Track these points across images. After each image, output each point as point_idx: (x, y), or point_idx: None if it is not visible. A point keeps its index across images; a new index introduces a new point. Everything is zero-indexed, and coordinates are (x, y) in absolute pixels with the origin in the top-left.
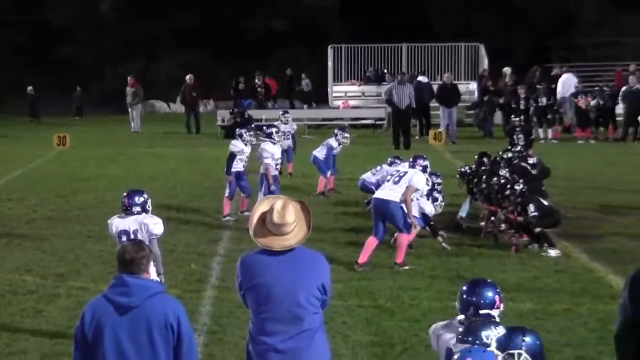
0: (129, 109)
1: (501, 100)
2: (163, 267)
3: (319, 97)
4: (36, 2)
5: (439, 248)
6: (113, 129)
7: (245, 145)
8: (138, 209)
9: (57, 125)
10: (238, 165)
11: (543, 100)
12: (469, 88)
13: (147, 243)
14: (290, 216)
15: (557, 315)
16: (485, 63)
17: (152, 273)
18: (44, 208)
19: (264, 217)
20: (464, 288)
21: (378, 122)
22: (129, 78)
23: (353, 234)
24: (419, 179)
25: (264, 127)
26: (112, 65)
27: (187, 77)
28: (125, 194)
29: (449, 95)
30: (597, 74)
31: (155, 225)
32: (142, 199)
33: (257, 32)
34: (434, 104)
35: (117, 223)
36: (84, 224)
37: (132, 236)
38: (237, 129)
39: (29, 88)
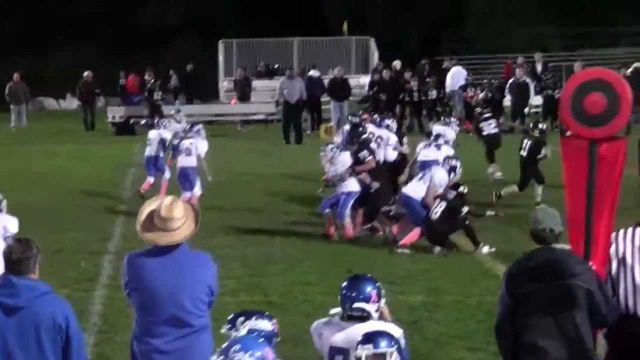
0: (11, 106)
1: (383, 96)
2: (51, 266)
3: (212, 93)
4: None
5: (329, 242)
6: (1, 127)
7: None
8: None
9: None
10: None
11: (433, 94)
12: (360, 82)
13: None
14: (178, 211)
15: (447, 307)
16: (375, 56)
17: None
18: None
19: (152, 215)
20: (345, 283)
21: (269, 118)
22: (14, 75)
23: (243, 229)
24: (440, 177)
25: (193, 125)
26: None
27: (85, 73)
28: None
29: (340, 90)
30: (486, 66)
31: (12, 223)
32: None
33: (150, 25)
34: (325, 98)
35: None
36: None
37: None
38: (160, 119)
39: None
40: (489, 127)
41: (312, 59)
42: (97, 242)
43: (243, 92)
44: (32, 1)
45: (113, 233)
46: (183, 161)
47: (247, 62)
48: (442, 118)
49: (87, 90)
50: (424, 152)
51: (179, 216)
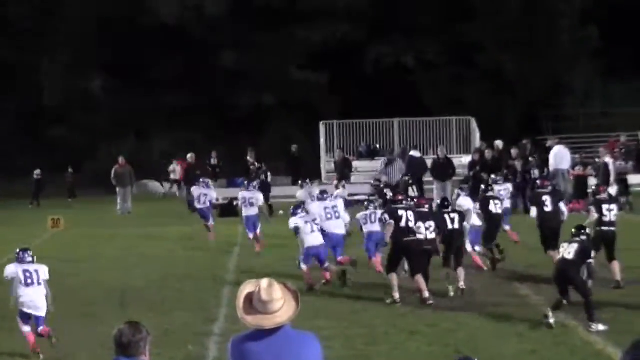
0: (117, 189)
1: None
2: (157, 347)
3: (313, 174)
4: (26, 83)
5: (435, 322)
6: (107, 210)
7: None
8: (30, 259)
9: (51, 207)
10: None
11: (536, 173)
12: (462, 162)
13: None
14: (277, 293)
15: None
16: (477, 136)
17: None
18: None
19: (250, 298)
20: None
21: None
22: (120, 159)
23: (345, 311)
24: None
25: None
26: (104, 145)
27: (188, 155)
28: (18, 250)
29: (443, 170)
30: (590, 145)
31: (45, 270)
32: (31, 253)
33: (247, 108)
34: (428, 177)
35: (17, 267)
36: (83, 304)
37: (33, 274)
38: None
39: (36, 172)
40: None
41: (413, 139)
42: (203, 323)
43: (342, 173)
44: (135, 87)
45: (218, 315)
46: None
47: (347, 143)
48: None
49: (191, 172)
50: None
51: (278, 297)
